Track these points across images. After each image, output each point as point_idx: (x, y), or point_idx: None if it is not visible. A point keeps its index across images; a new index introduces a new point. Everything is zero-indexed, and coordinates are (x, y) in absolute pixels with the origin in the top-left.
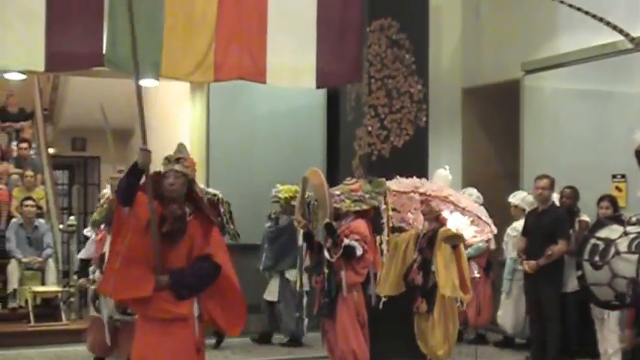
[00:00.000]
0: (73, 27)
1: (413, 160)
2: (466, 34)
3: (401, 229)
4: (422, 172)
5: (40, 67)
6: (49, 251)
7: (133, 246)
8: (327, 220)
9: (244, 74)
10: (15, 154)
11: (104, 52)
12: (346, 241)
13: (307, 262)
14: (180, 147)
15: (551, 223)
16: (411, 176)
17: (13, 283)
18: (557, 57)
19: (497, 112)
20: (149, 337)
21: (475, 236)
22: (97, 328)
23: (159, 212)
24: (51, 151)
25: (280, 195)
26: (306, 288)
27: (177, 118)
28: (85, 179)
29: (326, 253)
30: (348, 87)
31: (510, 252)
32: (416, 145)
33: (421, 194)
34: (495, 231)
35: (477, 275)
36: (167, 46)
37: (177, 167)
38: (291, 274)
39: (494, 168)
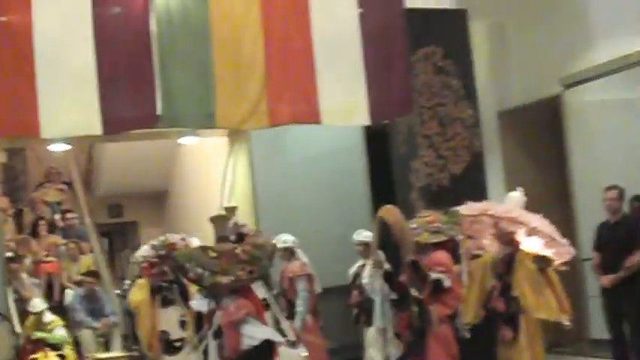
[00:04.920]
0: (126, 87)
1: (473, 186)
2: (494, 56)
3: (478, 257)
4: (482, 197)
5: (97, 130)
6: (113, 318)
7: None
8: (412, 257)
9: (299, 117)
10: (61, 225)
11: (159, 110)
12: (433, 275)
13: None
14: None
15: (626, 235)
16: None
17: (89, 352)
18: (597, 67)
19: (536, 132)
20: None
21: (554, 259)
22: None
23: None
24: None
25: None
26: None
27: (216, 171)
28: (124, 245)
29: (413, 291)
30: (396, 120)
31: None
32: (474, 171)
33: (491, 216)
34: (574, 252)
35: None
36: (220, 96)
37: None
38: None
39: (540, 190)
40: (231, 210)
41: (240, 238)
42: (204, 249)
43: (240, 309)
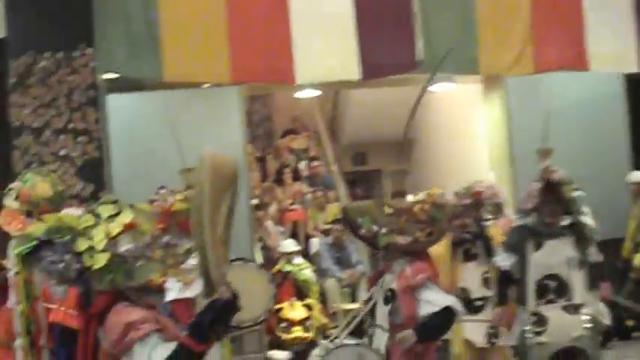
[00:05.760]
0: (385, 33)
1: None
2: None
3: None
4: None
5: (355, 75)
6: (361, 267)
7: None
8: None
9: (565, 63)
10: (306, 173)
11: (418, 55)
12: None
13: None
14: None
15: None
16: None
17: (335, 302)
18: None
19: None
20: None
21: None
22: None
23: None
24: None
25: None
26: None
27: (468, 119)
28: (367, 193)
29: None
30: None
31: None
32: None
33: None
34: None
35: None
36: (483, 41)
37: None
38: None
39: None
40: (547, 152)
41: (548, 184)
42: (378, 204)
43: (419, 273)
